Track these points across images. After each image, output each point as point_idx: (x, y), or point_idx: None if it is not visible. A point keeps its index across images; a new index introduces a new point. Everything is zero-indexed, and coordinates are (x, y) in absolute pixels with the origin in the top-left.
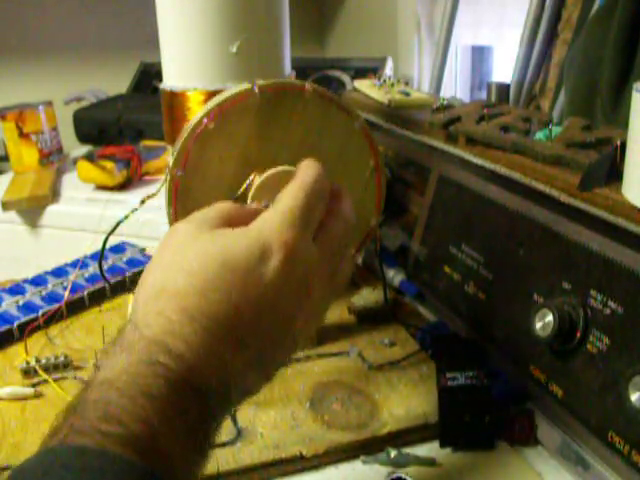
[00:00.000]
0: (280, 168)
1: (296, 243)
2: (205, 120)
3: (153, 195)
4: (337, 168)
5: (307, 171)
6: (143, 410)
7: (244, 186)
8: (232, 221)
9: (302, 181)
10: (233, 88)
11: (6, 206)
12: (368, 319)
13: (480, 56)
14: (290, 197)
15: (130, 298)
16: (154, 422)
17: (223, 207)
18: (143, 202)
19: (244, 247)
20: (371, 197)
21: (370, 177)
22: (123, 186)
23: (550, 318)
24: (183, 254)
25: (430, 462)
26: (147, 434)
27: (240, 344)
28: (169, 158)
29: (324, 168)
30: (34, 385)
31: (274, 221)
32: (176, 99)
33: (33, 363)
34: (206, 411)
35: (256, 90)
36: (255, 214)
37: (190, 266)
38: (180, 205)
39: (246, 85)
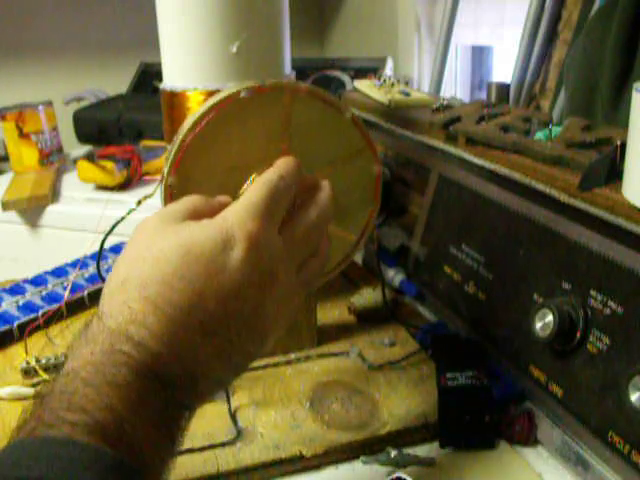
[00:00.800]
0: None
1: (260, 234)
2: (196, 126)
3: (150, 196)
4: (332, 160)
5: (274, 168)
6: (107, 398)
7: (244, 187)
8: (199, 214)
9: (266, 177)
10: (222, 92)
11: (6, 206)
12: (368, 319)
13: (480, 56)
14: (254, 191)
15: None
16: (119, 409)
17: (190, 200)
18: (140, 203)
19: (207, 236)
20: (371, 186)
21: (366, 165)
22: (123, 186)
23: (550, 318)
24: (148, 247)
25: (430, 462)
26: (112, 422)
27: (205, 332)
28: (164, 164)
29: (297, 164)
30: (34, 385)
31: (238, 212)
32: (176, 99)
33: (33, 363)
34: (173, 399)
35: (243, 94)
36: (222, 206)
37: (153, 257)
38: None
39: (234, 89)
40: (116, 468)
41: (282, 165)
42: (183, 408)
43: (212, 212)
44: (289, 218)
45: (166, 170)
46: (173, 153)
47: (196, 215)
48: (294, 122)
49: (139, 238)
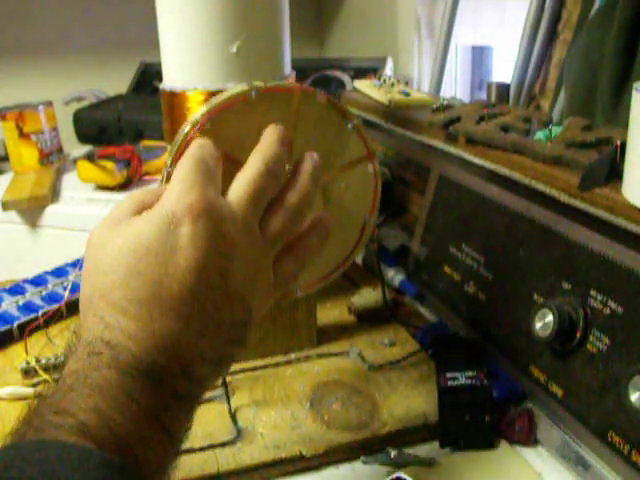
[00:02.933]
0: None
1: (201, 202)
2: (202, 120)
3: None
4: (333, 165)
5: (194, 142)
6: (91, 399)
7: None
8: (146, 207)
9: (187, 151)
10: (230, 90)
11: (6, 206)
12: (368, 319)
13: (480, 56)
14: (180, 166)
15: None
16: (104, 409)
17: (136, 195)
18: None
19: (150, 226)
20: (370, 190)
21: (366, 172)
22: (123, 186)
23: (550, 318)
24: (101, 256)
25: (430, 462)
26: (97, 421)
27: (179, 317)
28: (166, 158)
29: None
30: (34, 385)
31: (171, 191)
32: (176, 99)
33: (33, 363)
34: (166, 392)
35: (253, 93)
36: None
37: (107, 265)
38: None
39: (243, 87)
40: (105, 467)
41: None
42: (178, 398)
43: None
44: (226, 176)
45: (168, 161)
46: (177, 144)
47: (144, 208)
48: (299, 125)
49: (90, 251)
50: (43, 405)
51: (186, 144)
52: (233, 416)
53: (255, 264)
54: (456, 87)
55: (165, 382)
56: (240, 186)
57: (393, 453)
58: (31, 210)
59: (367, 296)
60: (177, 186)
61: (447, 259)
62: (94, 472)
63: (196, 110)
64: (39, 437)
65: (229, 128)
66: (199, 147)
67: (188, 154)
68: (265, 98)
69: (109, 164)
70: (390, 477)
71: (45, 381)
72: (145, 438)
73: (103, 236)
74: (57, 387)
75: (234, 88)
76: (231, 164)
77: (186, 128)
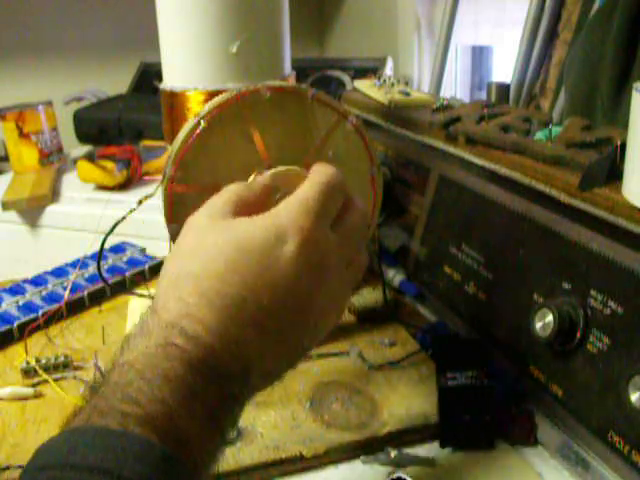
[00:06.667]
0: (281, 168)
1: (312, 229)
2: (202, 122)
3: (150, 195)
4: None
5: (324, 168)
6: (160, 391)
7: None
8: (245, 202)
9: (320, 174)
10: (228, 92)
11: (6, 206)
12: (368, 319)
13: (480, 56)
14: (308, 187)
15: (130, 299)
16: (170, 403)
17: (233, 190)
18: (140, 202)
19: (260, 231)
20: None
21: (367, 171)
22: (123, 186)
23: (550, 318)
24: (200, 243)
25: (430, 462)
26: (164, 415)
27: (257, 325)
28: (166, 159)
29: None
30: (34, 385)
31: (291, 208)
32: (176, 99)
33: (33, 363)
34: (226, 393)
35: (262, 92)
36: (264, 190)
37: (207, 252)
38: (176, 206)
39: (243, 88)
40: (165, 460)
41: (329, 167)
42: (234, 400)
43: (256, 198)
44: (338, 218)
45: (169, 164)
46: (177, 146)
47: (242, 204)
48: (300, 126)
49: (189, 234)
50: (108, 389)
51: (182, 154)
52: None
53: (337, 300)
54: (456, 87)
55: (227, 382)
56: (345, 227)
57: (393, 453)
58: (31, 210)
59: (367, 296)
60: (296, 204)
61: (447, 259)
62: (155, 466)
63: (197, 110)
64: (104, 423)
65: (228, 130)
66: (335, 176)
67: (322, 178)
68: (267, 99)
69: (109, 164)
70: (390, 477)
71: (45, 381)
72: (203, 437)
73: (207, 223)
74: (123, 369)
75: (230, 92)
76: (237, 166)
77: (185, 130)
